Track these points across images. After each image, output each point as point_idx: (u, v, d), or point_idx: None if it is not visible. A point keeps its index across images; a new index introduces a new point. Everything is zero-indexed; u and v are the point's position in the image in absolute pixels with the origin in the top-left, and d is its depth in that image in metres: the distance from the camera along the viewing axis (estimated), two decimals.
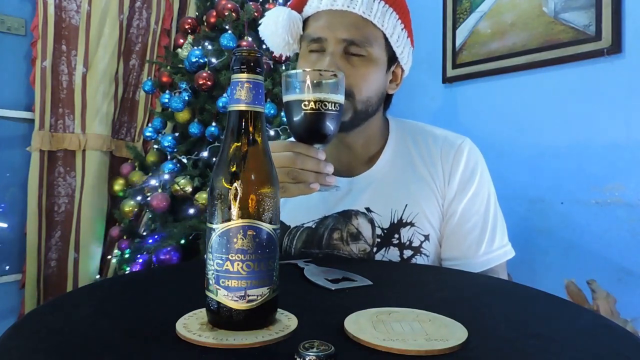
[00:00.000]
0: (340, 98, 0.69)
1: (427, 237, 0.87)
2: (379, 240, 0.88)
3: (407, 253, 0.87)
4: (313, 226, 0.91)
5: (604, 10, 1.64)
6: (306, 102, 0.67)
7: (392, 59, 0.88)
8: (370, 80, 0.84)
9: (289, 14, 0.86)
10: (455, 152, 0.89)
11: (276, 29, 0.86)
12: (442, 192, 0.89)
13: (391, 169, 0.91)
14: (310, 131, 0.70)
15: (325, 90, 0.67)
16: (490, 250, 0.88)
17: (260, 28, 0.91)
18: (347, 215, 0.89)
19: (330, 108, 0.68)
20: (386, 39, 0.85)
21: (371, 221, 0.88)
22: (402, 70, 0.93)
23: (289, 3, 0.90)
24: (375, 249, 0.87)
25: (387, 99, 0.94)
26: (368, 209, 0.89)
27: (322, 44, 0.83)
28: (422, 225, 0.87)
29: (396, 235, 0.87)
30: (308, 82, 0.67)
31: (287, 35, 0.87)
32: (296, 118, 0.69)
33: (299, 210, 0.93)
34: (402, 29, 0.87)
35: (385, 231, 0.87)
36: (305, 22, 0.88)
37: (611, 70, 1.65)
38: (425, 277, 0.75)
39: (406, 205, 0.88)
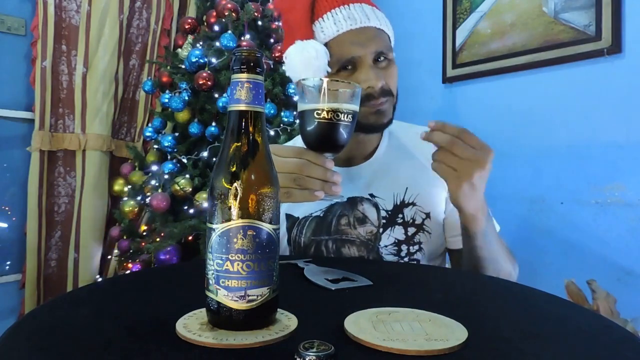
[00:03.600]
0: (354, 108, 0.70)
1: (428, 215, 0.94)
2: (384, 221, 0.93)
3: (411, 230, 0.93)
4: (321, 215, 0.96)
5: (604, 10, 1.64)
6: (319, 111, 0.67)
7: None
8: (396, 80, 0.93)
9: (317, 47, 0.85)
10: None
11: (319, 63, 0.85)
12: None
13: (388, 159, 0.99)
14: (322, 140, 0.71)
15: (339, 100, 0.68)
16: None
17: (293, 65, 0.87)
18: (353, 202, 0.95)
19: (342, 118, 0.68)
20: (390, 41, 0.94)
21: (376, 205, 0.94)
22: None
23: (299, 35, 0.87)
24: (381, 230, 0.93)
25: None
26: (372, 195, 0.95)
27: (355, 62, 0.87)
28: (423, 204, 0.94)
29: (400, 215, 0.93)
30: (323, 91, 0.67)
31: (321, 63, 0.86)
32: (309, 126, 0.69)
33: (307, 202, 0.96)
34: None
35: (390, 213, 0.94)
36: (326, 46, 0.87)
37: (611, 70, 1.65)
38: (425, 277, 0.75)
39: (407, 188, 0.95)
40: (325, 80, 0.68)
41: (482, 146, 0.75)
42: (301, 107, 0.71)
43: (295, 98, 1.98)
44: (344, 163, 0.98)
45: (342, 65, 0.88)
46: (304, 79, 0.70)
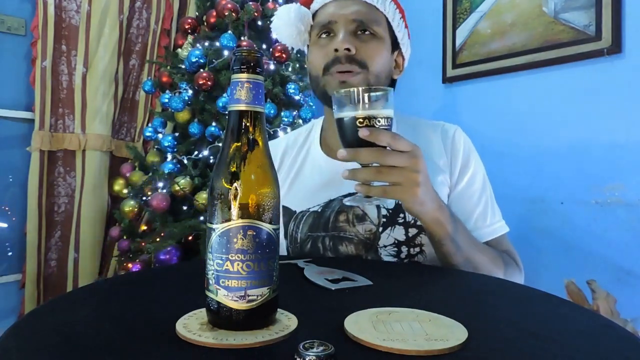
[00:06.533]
0: (390, 112, 0.69)
1: None
2: (384, 220, 0.90)
3: (412, 231, 0.90)
4: (319, 210, 0.94)
5: (604, 10, 1.64)
6: (361, 120, 0.67)
7: (395, 43, 0.97)
8: (380, 55, 0.91)
9: (299, 7, 0.95)
10: (454, 134, 0.97)
11: (289, 19, 0.95)
12: (447, 172, 0.94)
13: None
14: (364, 147, 0.69)
15: (376, 106, 0.68)
16: (494, 221, 0.94)
17: (273, 21, 0.99)
18: None
19: (383, 123, 0.68)
20: (388, 23, 0.94)
21: None
22: (403, 59, 1.00)
23: (299, 1, 0.98)
24: (381, 229, 0.90)
25: (391, 86, 1.00)
26: None
27: (332, 27, 0.91)
28: None
29: (401, 215, 0.90)
30: (359, 99, 0.67)
31: (299, 24, 0.95)
32: (349, 134, 0.69)
33: (305, 196, 0.96)
34: (400, 18, 0.96)
35: (391, 211, 0.91)
36: (314, 15, 0.96)
37: (611, 70, 1.65)
38: (425, 277, 0.75)
39: None
40: (360, 88, 0.68)
41: (407, 143, 0.69)
42: (338, 115, 0.70)
43: (297, 97, 1.98)
44: None
45: (321, 31, 0.93)
46: (339, 90, 0.70)
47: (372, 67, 0.89)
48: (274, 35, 1.01)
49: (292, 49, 1.62)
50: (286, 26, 0.95)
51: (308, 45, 1.00)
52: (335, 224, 0.92)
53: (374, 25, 0.90)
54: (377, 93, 0.68)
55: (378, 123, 0.67)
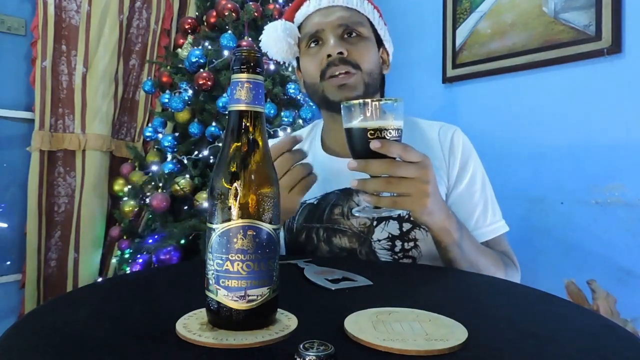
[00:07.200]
0: (400, 123, 0.69)
1: None
2: None
3: (407, 226, 0.91)
4: (315, 202, 0.96)
5: (604, 10, 1.64)
6: (372, 131, 0.66)
7: (379, 41, 1.01)
8: (370, 54, 0.95)
9: (285, 22, 0.99)
10: (452, 135, 0.98)
11: (278, 35, 0.97)
12: (444, 171, 0.95)
13: None
14: (374, 158, 0.69)
15: (387, 117, 0.67)
16: (494, 220, 0.95)
17: (262, 40, 1.01)
18: (348, 193, 0.95)
19: (394, 135, 0.67)
20: (370, 23, 0.99)
21: None
22: (388, 54, 1.04)
23: (283, 16, 1.02)
24: (375, 223, 0.92)
25: (381, 82, 1.04)
26: None
27: (320, 35, 0.95)
28: None
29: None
30: (371, 110, 0.67)
31: (289, 38, 0.98)
32: (359, 145, 0.68)
33: None
34: (378, 16, 1.01)
35: None
36: (299, 27, 1.00)
37: (611, 70, 1.65)
38: (425, 277, 0.75)
39: None
40: (370, 99, 0.68)
41: (417, 154, 0.69)
42: (348, 125, 0.70)
43: (297, 98, 1.98)
44: (345, 152, 0.97)
45: (310, 41, 0.97)
46: (347, 100, 0.70)
47: (365, 67, 0.93)
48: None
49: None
50: (276, 42, 0.98)
51: (297, 57, 1.03)
52: (330, 216, 0.94)
53: (359, 26, 0.95)
54: (388, 104, 0.67)
55: (389, 135, 0.67)
